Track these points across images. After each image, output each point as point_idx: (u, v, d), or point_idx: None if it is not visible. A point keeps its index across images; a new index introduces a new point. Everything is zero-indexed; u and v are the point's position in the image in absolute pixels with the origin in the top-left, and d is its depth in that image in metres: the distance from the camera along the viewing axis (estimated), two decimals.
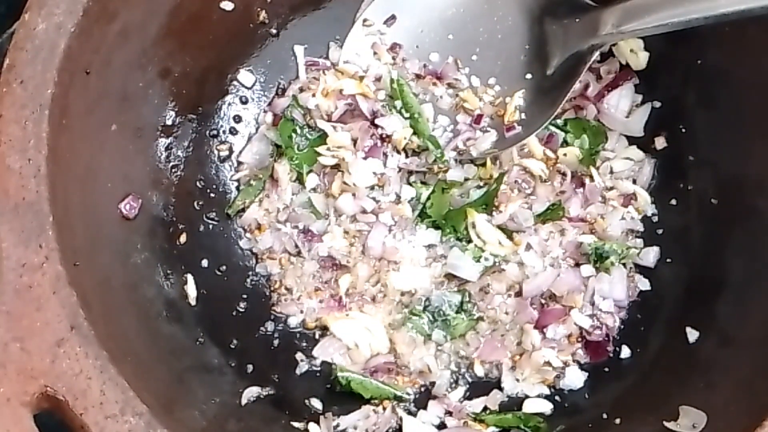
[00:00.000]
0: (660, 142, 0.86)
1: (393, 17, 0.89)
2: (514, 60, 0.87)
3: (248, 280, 0.84)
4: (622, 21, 0.78)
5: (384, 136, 0.84)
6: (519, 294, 0.82)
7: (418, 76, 0.88)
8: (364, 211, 0.84)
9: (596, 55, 0.81)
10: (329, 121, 0.85)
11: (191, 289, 0.79)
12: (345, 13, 0.89)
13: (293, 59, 0.88)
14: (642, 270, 0.84)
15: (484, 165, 0.85)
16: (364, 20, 0.89)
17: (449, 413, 0.79)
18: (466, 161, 0.85)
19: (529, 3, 0.86)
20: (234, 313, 0.82)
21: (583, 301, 0.81)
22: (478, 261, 0.82)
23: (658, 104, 0.86)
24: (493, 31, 0.87)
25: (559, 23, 0.84)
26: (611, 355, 0.81)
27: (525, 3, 0.86)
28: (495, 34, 0.87)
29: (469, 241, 0.83)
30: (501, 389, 0.81)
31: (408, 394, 0.81)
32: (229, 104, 0.87)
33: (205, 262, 0.82)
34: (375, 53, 0.88)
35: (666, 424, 0.70)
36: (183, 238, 0.81)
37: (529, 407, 0.79)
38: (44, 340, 0.59)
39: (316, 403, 0.78)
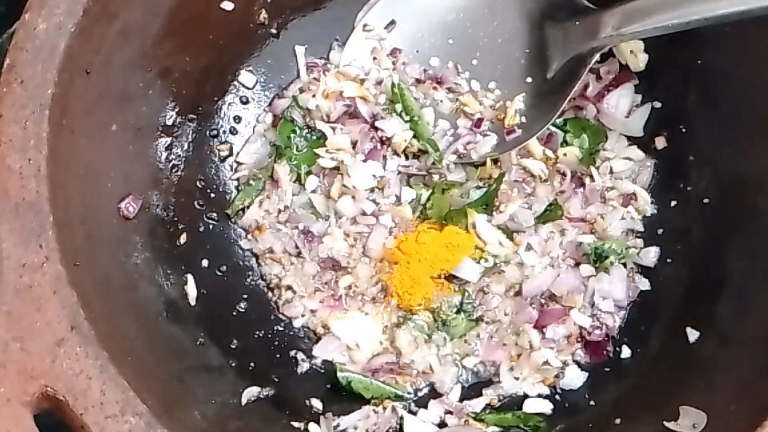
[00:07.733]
0: (660, 142, 0.86)
1: (393, 22, 0.89)
2: (515, 64, 0.87)
3: (248, 280, 0.84)
4: (623, 23, 0.78)
5: (384, 138, 0.84)
6: (519, 294, 0.82)
7: (418, 81, 0.88)
8: (363, 213, 0.84)
9: (596, 57, 0.81)
10: (328, 122, 0.85)
11: (191, 289, 0.79)
12: (346, 13, 0.89)
13: (294, 60, 0.88)
14: (642, 270, 0.84)
15: (483, 165, 0.84)
16: (365, 25, 0.89)
17: (449, 412, 0.79)
18: (466, 164, 0.85)
19: (529, 7, 0.86)
20: (234, 313, 0.82)
21: (582, 301, 0.82)
22: (479, 262, 0.82)
23: (658, 104, 0.86)
24: (493, 35, 0.87)
25: (559, 26, 0.84)
26: (611, 355, 0.81)
27: (525, 7, 0.86)
28: (495, 39, 0.87)
29: None
30: (501, 389, 0.81)
31: (409, 393, 0.81)
32: (229, 104, 0.87)
33: (205, 262, 0.82)
34: (375, 58, 0.88)
35: (666, 424, 0.69)
36: (183, 238, 0.81)
37: (529, 407, 0.79)
38: (44, 340, 0.59)
39: (316, 403, 0.78)
